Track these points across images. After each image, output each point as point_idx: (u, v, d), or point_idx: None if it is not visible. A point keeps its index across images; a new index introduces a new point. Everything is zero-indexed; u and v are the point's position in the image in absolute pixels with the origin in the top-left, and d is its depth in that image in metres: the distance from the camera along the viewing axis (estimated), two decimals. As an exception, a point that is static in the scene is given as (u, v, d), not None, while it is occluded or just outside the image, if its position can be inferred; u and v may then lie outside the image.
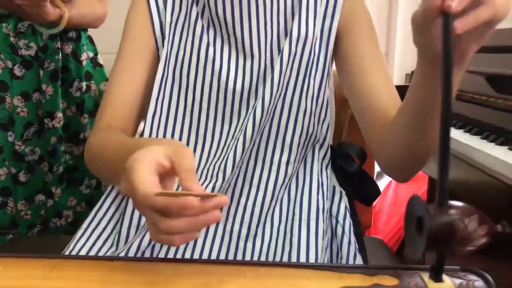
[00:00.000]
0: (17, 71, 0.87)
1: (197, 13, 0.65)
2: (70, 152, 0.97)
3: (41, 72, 0.89)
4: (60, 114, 0.92)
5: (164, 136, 0.65)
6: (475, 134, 0.90)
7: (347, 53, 0.65)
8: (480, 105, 1.00)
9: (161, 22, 0.66)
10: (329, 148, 0.68)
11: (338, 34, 0.65)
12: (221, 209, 0.63)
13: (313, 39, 0.63)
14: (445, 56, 0.33)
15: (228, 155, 0.62)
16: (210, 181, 0.61)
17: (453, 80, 0.37)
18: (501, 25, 0.39)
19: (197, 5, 0.65)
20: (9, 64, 0.87)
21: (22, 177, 0.92)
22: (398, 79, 2.92)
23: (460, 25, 0.35)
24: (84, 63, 0.95)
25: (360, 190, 0.70)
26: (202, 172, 0.63)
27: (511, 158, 0.70)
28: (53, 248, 0.83)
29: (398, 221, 1.61)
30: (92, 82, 0.98)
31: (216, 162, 0.63)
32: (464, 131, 0.94)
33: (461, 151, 0.83)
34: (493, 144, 0.81)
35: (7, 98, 0.88)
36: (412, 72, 0.82)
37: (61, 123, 0.93)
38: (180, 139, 0.65)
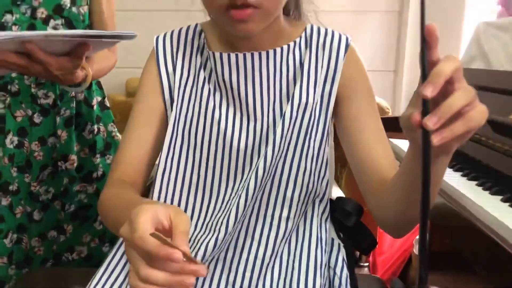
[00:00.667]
0: (36, 119, 0.93)
1: (204, 78, 0.69)
2: (85, 191, 1.02)
3: (58, 119, 0.94)
4: (73, 157, 0.97)
5: (174, 190, 0.69)
6: (472, 179, 0.93)
7: (345, 116, 0.69)
8: (481, 145, 1.04)
9: (170, 86, 0.71)
10: (329, 202, 0.72)
11: (337, 98, 0.69)
12: (224, 260, 0.67)
13: (313, 104, 0.68)
14: (424, 166, 0.37)
15: (231, 210, 0.65)
16: (213, 234, 0.65)
17: (437, 170, 0.40)
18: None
19: (204, 70, 0.70)
20: (29, 112, 0.92)
21: (36, 215, 0.97)
22: (406, 95, 2.95)
23: (436, 140, 0.38)
24: (95, 107, 1.01)
25: (358, 242, 0.73)
26: (206, 225, 0.67)
27: (503, 212, 0.73)
28: (67, 280, 0.88)
29: (403, 242, 1.64)
30: (101, 124, 1.03)
31: (219, 216, 0.67)
32: (461, 175, 0.97)
33: (456, 198, 0.87)
34: (487, 192, 0.85)
35: (25, 143, 0.93)
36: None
37: (75, 165, 0.98)
38: (188, 193, 0.69)
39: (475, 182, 0.91)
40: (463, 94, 0.40)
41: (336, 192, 1.90)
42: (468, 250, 1.09)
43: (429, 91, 0.38)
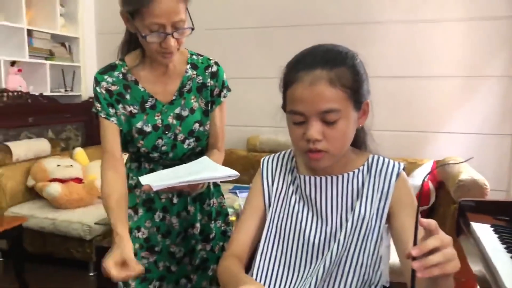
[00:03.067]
0: (174, 199, 1.29)
1: (293, 190, 0.98)
2: (204, 249, 1.36)
3: (188, 198, 1.29)
4: (198, 224, 1.32)
5: (268, 268, 0.97)
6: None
7: (393, 227, 0.91)
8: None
9: (269, 195, 1.01)
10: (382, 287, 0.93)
11: (389, 211, 0.91)
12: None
13: (370, 216, 0.91)
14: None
15: (305, 287, 0.91)
16: None
17: None
18: None
19: (293, 184, 0.99)
20: (170, 195, 1.29)
21: (173, 268, 1.33)
22: None
23: (419, 273, 0.61)
24: (211, 187, 1.35)
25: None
26: None
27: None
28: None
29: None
30: (214, 198, 1.37)
31: None
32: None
33: None
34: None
35: (167, 217, 1.30)
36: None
37: (198, 230, 1.32)
38: (277, 271, 0.97)
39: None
40: (436, 239, 0.64)
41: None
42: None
43: (415, 252, 0.62)
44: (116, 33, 1.30)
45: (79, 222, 2.65)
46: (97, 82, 1.20)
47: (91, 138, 3.75)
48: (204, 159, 1.20)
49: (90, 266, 2.74)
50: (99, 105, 1.19)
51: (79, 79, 3.75)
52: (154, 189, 1.01)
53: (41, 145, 3.09)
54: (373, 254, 0.91)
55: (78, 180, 2.95)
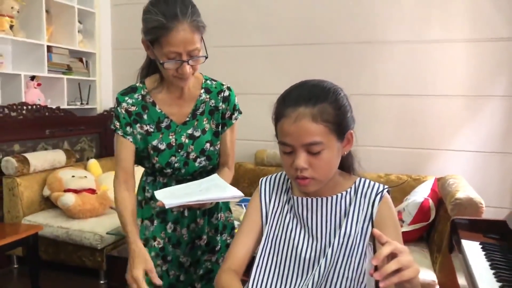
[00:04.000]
0: (185, 212, 1.39)
1: (287, 210, 1.07)
2: (210, 260, 1.45)
3: (197, 212, 1.39)
4: (205, 236, 1.42)
5: (263, 280, 1.06)
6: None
7: (376, 243, 0.99)
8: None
9: (266, 212, 1.10)
10: None
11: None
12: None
13: (355, 234, 1.00)
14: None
15: None
16: None
17: None
18: None
19: (288, 204, 1.08)
20: (181, 208, 1.36)
21: (182, 277, 1.43)
22: None
23: (381, 284, 0.71)
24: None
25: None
26: None
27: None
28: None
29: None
30: (222, 212, 1.47)
31: None
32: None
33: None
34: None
35: (178, 228, 1.40)
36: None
37: (205, 241, 1.41)
38: (271, 283, 1.05)
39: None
40: (389, 246, 0.75)
41: (430, 274, 2.05)
42: None
43: (374, 261, 0.71)
44: (130, 48, 1.44)
45: (91, 231, 2.75)
46: (118, 102, 1.32)
47: (105, 149, 3.89)
48: (214, 176, 1.30)
49: (101, 274, 2.84)
50: (118, 123, 1.31)
51: (95, 93, 3.89)
52: (167, 207, 1.12)
53: (57, 156, 3.22)
54: (357, 269, 0.99)
55: (92, 191, 3.06)
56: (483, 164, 3.01)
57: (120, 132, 1.31)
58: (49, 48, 3.42)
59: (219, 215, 1.45)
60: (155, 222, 1.39)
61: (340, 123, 0.96)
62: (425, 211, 2.39)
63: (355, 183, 1.06)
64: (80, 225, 2.81)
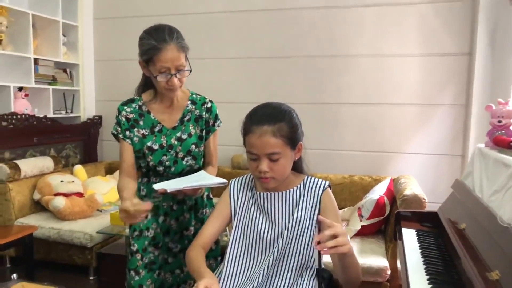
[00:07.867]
0: (174, 207, 1.68)
1: (252, 203, 1.39)
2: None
3: (184, 207, 1.68)
4: (191, 228, 1.70)
5: (235, 259, 1.35)
6: None
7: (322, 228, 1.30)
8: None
9: (235, 207, 1.41)
10: (315, 270, 1.31)
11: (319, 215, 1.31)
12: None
13: (304, 218, 1.32)
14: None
15: (261, 271, 1.31)
16: (251, 283, 1.29)
17: (346, 260, 1.03)
18: None
19: (253, 199, 1.39)
20: (170, 203, 1.67)
21: (170, 260, 1.71)
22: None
23: (322, 252, 1.02)
24: (204, 199, 1.73)
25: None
26: (248, 277, 1.32)
27: None
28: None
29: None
30: (206, 208, 1.76)
31: (255, 275, 1.31)
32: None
33: None
34: None
35: (167, 219, 1.68)
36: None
37: (192, 232, 1.70)
38: (242, 260, 1.35)
39: None
40: (331, 230, 1.04)
41: (383, 261, 2.38)
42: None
43: (317, 238, 1.03)
44: (111, 60, 1.72)
45: (81, 231, 2.98)
46: (119, 111, 1.63)
47: (88, 156, 4.11)
48: (201, 172, 1.62)
49: (90, 270, 3.07)
50: (119, 128, 1.62)
51: (79, 102, 4.10)
52: (168, 191, 1.41)
53: (45, 162, 3.43)
54: (307, 246, 1.31)
55: (80, 194, 3.29)
56: (434, 165, 3.40)
57: (121, 136, 1.61)
58: (35, 60, 3.63)
59: (204, 210, 1.74)
60: (149, 216, 1.66)
61: (293, 137, 1.27)
62: (381, 207, 2.73)
63: (303, 180, 1.37)
64: (70, 226, 3.04)
